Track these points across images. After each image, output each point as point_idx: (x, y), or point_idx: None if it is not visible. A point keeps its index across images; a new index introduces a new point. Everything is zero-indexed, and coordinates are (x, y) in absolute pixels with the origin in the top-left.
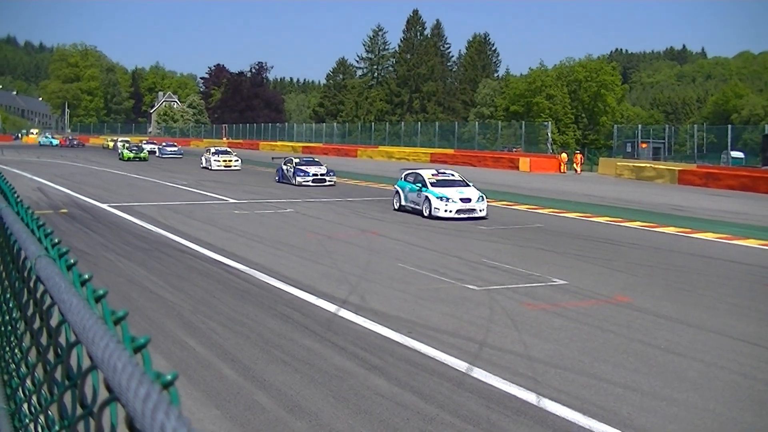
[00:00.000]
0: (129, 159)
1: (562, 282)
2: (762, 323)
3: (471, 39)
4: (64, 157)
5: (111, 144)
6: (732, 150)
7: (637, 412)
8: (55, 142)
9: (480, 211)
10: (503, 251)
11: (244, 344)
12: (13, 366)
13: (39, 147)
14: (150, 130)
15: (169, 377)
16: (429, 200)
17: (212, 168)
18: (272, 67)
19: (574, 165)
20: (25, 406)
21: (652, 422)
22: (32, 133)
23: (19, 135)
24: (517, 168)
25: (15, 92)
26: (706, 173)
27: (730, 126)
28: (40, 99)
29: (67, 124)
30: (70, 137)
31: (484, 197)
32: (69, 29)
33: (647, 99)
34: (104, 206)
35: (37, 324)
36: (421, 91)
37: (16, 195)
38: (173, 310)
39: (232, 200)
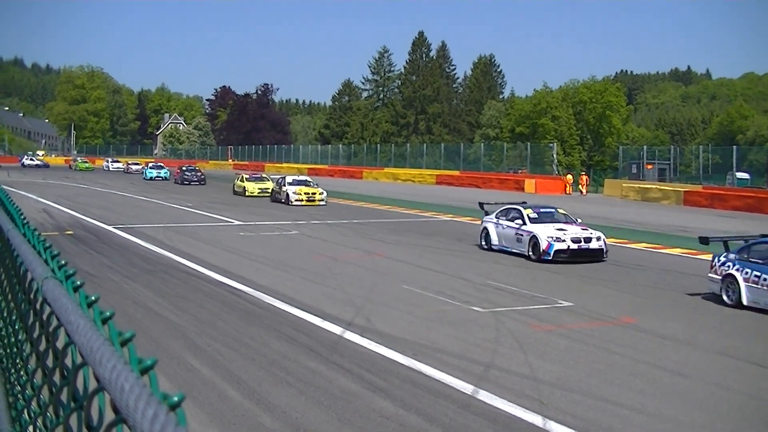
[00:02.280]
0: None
1: (567, 304)
2: (767, 344)
3: (476, 60)
4: (69, 178)
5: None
6: (737, 171)
7: None
8: (165, 173)
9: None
10: (509, 273)
11: (249, 366)
12: (18, 388)
13: (67, 170)
14: (156, 151)
15: (176, 398)
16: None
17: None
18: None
19: (580, 186)
20: (31, 428)
21: None
22: (81, 161)
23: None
24: (523, 189)
25: (22, 114)
26: (712, 194)
27: (735, 147)
28: (47, 120)
29: (73, 146)
30: (188, 168)
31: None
32: (76, 51)
33: (652, 120)
34: (109, 228)
35: (43, 345)
36: (427, 113)
37: (22, 216)
38: (178, 331)
39: (237, 222)
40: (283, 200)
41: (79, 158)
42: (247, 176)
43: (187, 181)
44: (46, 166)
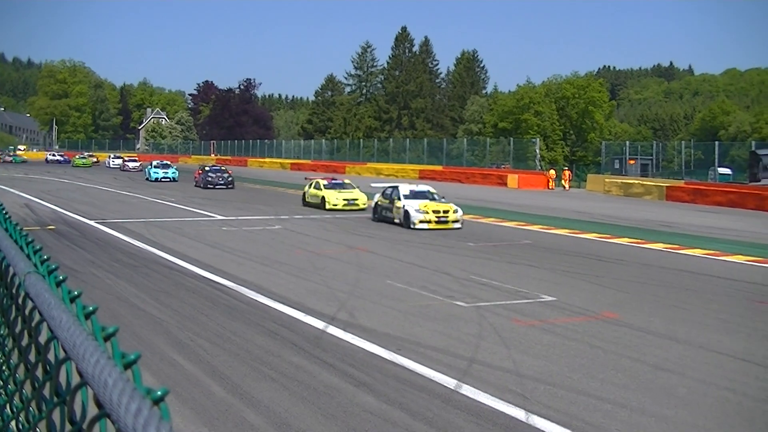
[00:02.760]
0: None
1: (550, 298)
2: (751, 339)
3: (459, 56)
4: (51, 173)
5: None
6: (719, 166)
7: (626, 428)
8: (174, 173)
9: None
10: (492, 268)
11: (232, 361)
12: (0, 383)
13: (47, 165)
14: (138, 146)
15: (159, 393)
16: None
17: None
18: (261, 84)
19: (563, 181)
20: (13, 423)
21: None
22: (78, 157)
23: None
24: (506, 184)
25: (3, 108)
26: (694, 189)
27: (717, 142)
28: (28, 115)
29: (54, 141)
30: (212, 168)
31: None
32: (57, 45)
33: (635, 116)
34: (92, 223)
35: (25, 341)
36: (410, 108)
37: (4, 211)
38: (161, 326)
39: (220, 217)
40: (398, 221)
41: (80, 155)
42: (326, 183)
43: (212, 185)
44: (24, 161)
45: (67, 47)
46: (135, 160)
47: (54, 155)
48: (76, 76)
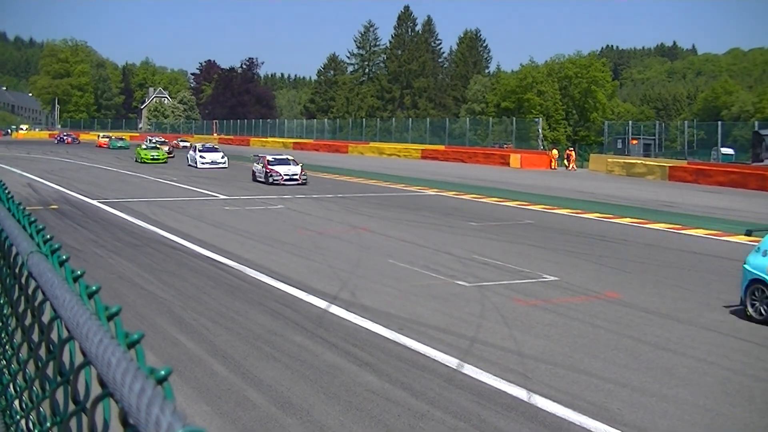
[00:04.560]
0: None
1: (552, 278)
2: (751, 319)
3: (462, 35)
4: (53, 152)
5: None
6: (722, 146)
7: (627, 408)
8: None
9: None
10: (494, 247)
11: (234, 340)
12: (3, 362)
13: (35, 144)
14: (141, 126)
15: (163, 372)
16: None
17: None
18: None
19: (565, 161)
20: (17, 402)
21: (642, 418)
22: (114, 138)
23: (9, 131)
24: (508, 164)
25: (5, 88)
26: (697, 170)
27: (720, 122)
28: (30, 94)
29: (57, 120)
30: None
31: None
32: (59, 24)
33: (638, 95)
34: (94, 202)
35: (28, 320)
36: (413, 87)
37: (6, 191)
38: (163, 306)
39: (222, 196)
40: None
41: (114, 138)
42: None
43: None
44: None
45: (69, 26)
46: (185, 141)
47: (64, 135)
48: (78, 56)
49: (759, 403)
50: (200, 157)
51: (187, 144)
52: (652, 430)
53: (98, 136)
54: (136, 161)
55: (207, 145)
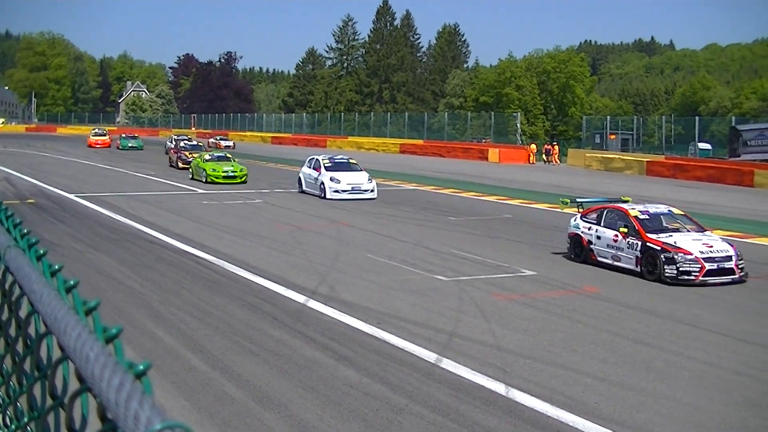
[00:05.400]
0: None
1: (531, 273)
2: (729, 314)
3: (441, 29)
4: (31, 146)
5: None
6: (699, 141)
7: (604, 401)
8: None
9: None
10: (472, 242)
11: (213, 335)
12: None
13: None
14: (118, 120)
15: (141, 367)
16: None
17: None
18: (242, 57)
19: (543, 156)
20: None
21: (619, 411)
22: (124, 136)
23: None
24: (487, 159)
25: None
26: (674, 165)
27: (697, 118)
28: (6, 88)
29: (33, 114)
30: (335, 159)
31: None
32: (36, 17)
33: (616, 90)
34: (72, 196)
35: (5, 315)
36: (391, 82)
37: None
38: (142, 300)
39: (201, 191)
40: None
41: (124, 135)
42: (207, 157)
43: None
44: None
45: (47, 19)
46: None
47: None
48: (56, 49)
49: (736, 396)
50: (331, 180)
51: (230, 143)
52: (630, 423)
53: (91, 132)
54: (192, 178)
55: (336, 157)
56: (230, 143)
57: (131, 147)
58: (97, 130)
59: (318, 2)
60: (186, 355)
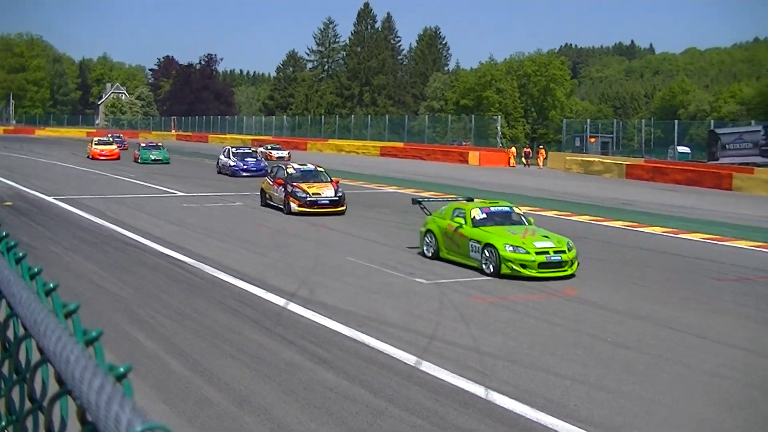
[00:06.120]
0: None
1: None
2: (708, 316)
3: (422, 33)
4: (8, 149)
5: None
6: (679, 145)
7: (584, 404)
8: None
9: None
10: None
11: (193, 338)
12: None
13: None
14: (98, 122)
15: (122, 369)
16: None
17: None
18: (222, 60)
19: (523, 159)
20: None
21: (599, 414)
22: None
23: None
24: (467, 162)
25: None
26: (654, 168)
27: (676, 121)
28: None
29: (12, 116)
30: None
31: None
32: (14, 18)
33: (596, 94)
34: (50, 199)
35: None
36: (372, 85)
37: None
38: (121, 304)
39: (181, 193)
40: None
41: (145, 144)
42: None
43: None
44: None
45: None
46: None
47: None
48: (34, 50)
49: (715, 398)
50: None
51: (284, 154)
52: (609, 425)
53: (92, 142)
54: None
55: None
56: (284, 154)
57: (154, 160)
58: (101, 138)
59: (299, 5)
60: (165, 358)
